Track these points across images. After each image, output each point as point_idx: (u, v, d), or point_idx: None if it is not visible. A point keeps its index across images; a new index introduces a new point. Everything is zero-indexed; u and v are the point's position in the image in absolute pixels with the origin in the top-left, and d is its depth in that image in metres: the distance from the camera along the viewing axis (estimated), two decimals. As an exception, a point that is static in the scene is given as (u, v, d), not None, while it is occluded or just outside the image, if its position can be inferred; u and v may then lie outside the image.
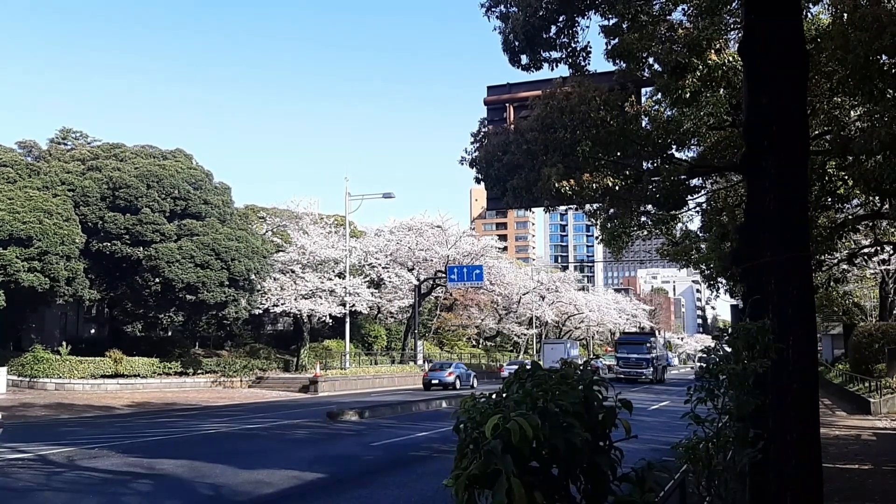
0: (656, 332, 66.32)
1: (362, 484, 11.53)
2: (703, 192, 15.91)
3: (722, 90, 11.83)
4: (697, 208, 16.60)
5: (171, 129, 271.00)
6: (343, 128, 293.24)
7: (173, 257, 34.47)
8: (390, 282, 51.75)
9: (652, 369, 51.42)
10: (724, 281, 19.24)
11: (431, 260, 52.87)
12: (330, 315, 44.69)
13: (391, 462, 14.05)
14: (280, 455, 13.97)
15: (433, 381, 40.76)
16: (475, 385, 42.69)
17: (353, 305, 45.65)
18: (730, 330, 5.29)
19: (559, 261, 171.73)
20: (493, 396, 3.26)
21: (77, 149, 40.39)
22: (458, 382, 41.40)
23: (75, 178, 35.25)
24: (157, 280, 34.62)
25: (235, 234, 37.69)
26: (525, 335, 73.10)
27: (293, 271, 45.33)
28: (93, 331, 44.79)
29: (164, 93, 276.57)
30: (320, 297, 44.40)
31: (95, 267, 35.19)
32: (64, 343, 35.48)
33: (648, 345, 52.98)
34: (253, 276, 38.70)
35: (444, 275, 52.23)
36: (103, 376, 34.26)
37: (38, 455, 14.20)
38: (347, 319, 44.94)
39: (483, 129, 14.03)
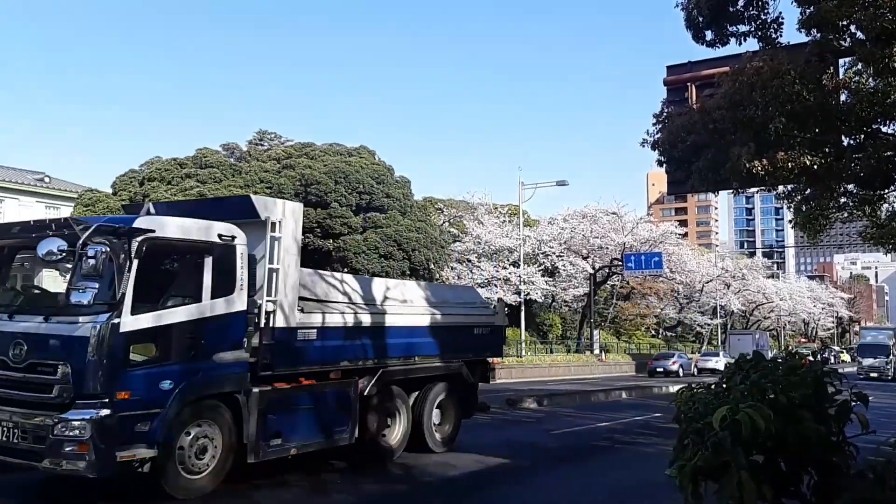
0: None
1: (546, 471, 11.57)
2: (915, 168, 14.36)
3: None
4: (908, 186, 14.99)
5: (355, 127, 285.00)
6: (514, 117, 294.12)
7: (359, 248, 36.44)
8: (564, 270, 51.34)
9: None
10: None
11: (607, 248, 51.76)
12: (505, 304, 45.21)
13: (573, 450, 13.97)
14: (463, 438, 14.29)
15: (657, 369, 44.08)
16: (696, 373, 44.40)
17: (528, 294, 45.83)
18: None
19: (745, 246, 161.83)
20: (713, 387, 3.15)
21: (272, 149, 43.65)
22: (680, 371, 43.99)
23: (272, 177, 38.14)
24: (345, 270, 36.67)
25: (415, 226, 39.12)
26: (708, 325, 69.62)
27: (469, 260, 46.29)
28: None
29: (349, 94, 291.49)
30: (496, 285, 45.03)
31: (291, 258, 37.96)
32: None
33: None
34: (432, 266, 39.99)
35: (620, 263, 50.99)
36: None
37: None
38: (522, 308, 45.17)
39: (665, 110, 13.53)
